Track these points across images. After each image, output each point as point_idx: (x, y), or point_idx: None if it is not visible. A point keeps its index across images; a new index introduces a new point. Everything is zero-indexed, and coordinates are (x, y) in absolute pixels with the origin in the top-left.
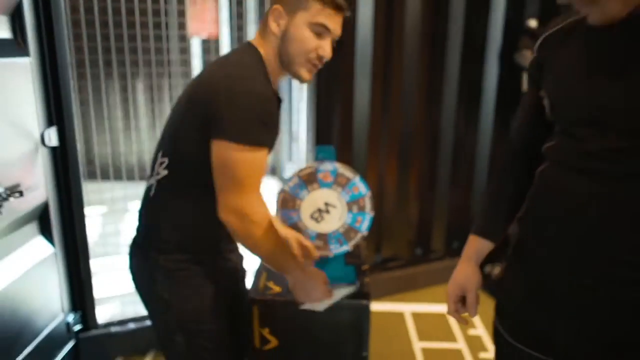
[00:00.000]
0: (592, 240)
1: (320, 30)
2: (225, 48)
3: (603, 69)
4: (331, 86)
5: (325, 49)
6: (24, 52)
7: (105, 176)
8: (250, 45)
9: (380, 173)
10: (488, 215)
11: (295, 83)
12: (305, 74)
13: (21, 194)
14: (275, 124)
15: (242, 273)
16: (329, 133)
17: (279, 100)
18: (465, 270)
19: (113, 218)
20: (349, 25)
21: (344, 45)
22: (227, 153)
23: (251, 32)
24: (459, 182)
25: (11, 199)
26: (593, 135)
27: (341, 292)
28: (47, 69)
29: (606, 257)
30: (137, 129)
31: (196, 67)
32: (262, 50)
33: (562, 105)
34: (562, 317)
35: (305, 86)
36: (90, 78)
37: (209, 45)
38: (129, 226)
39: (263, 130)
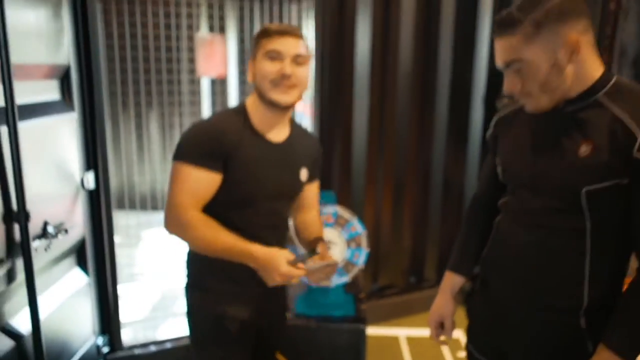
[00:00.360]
0: (529, 277)
1: (273, 55)
2: (232, 87)
3: (536, 146)
4: (332, 130)
5: (286, 68)
6: (71, 108)
7: (120, 205)
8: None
9: (377, 208)
10: (459, 255)
11: None
12: (277, 96)
13: (66, 231)
14: (216, 151)
15: (265, 304)
16: (330, 172)
17: (265, 141)
18: (442, 301)
19: (128, 246)
20: (348, 77)
21: (344, 95)
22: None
23: None
24: (449, 215)
25: (59, 236)
26: (531, 196)
27: (317, 265)
28: (87, 121)
29: (539, 290)
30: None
31: (205, 104)
32: (248, 101)
33: (508, 172)
34: (513, 336)
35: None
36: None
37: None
38: (142, 254)
39: (196, 151)
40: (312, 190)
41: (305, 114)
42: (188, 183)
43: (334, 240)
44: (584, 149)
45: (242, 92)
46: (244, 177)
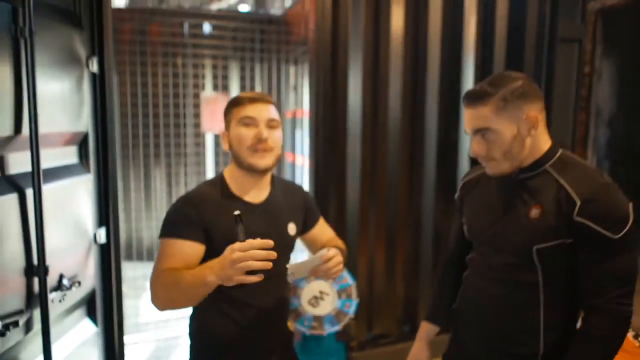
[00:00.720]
0: (494, 327)
1: (247, 122)
2: None
3: (495, 208)
4: (326, 185)
5: (262, 132)
6: (87, 171)
7: (128, 256)
8: None
9: (370, 259)
10: (433, 307)
11: None
12: (254, 160)
13: (79, 284)
14: (194, 221)
15: None
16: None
17: (244, 204)
18: (418, 348)
19: (134, 298)
20: (341, 134)
21: (337, 151)
22: None
23: None
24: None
25: (73, 288)
26: (492, 253)
27: (306, 266)
28: (101, 182)
29: (502, 339)
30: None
31: (209, 158)
32: (225, 171)
33: (472, 230)
34: None
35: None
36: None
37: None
38: (145, 304)
39: (175, 225)
40: (320, 232)
41: (304, 167)
42: (170, 254)
43: (326, 291)
44: (534, 212)
45: None
46: (227, 242)
